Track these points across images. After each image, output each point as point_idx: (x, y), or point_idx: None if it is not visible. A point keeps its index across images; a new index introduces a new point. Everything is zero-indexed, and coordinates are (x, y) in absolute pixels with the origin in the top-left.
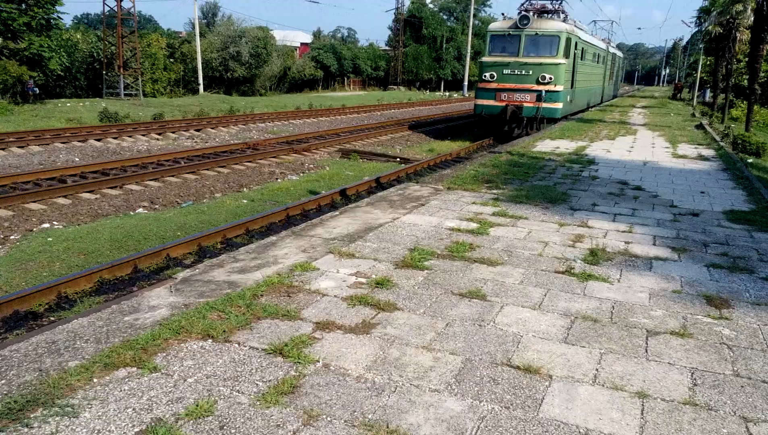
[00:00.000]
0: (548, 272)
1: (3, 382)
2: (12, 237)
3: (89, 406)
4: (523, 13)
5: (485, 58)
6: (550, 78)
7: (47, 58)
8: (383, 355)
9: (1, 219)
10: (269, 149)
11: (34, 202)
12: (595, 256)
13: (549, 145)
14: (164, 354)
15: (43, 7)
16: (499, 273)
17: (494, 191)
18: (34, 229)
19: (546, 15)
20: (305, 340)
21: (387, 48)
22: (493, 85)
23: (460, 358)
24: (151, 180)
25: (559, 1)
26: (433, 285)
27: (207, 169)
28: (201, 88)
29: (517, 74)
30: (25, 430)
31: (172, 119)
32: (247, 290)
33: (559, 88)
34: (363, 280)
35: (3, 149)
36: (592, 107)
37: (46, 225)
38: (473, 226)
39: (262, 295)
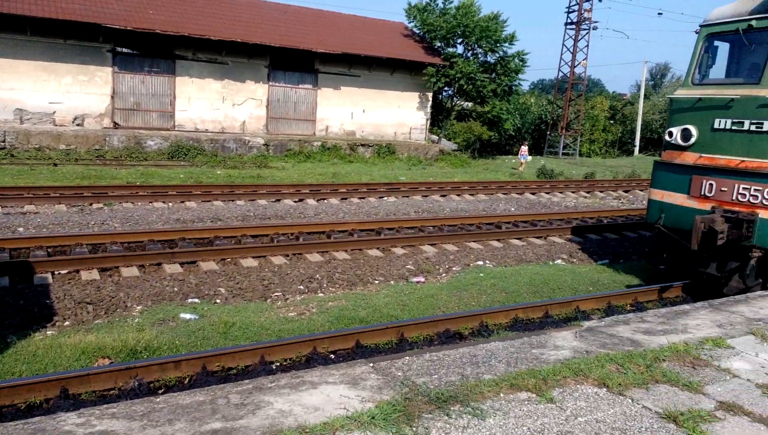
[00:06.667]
0: None
1: (436, 376)
2: (454, 268)
3: (494, 414)
4: None
5: (680, 92)
6: None
7: (504, 119)
8: None
9: (449, 252)
10: None
11: (474, 241)
12: None
13: None
14: (561, 389)
15: (508, 76)
16: None
17: None
18: (471, 265)
19: None
20: (704, 415)
21: None
22: (689, 158)
23: None
24: (572, 235)
25: None
26: None
27: (627, 231)
28: (636, 149)
29: (752, 131)
30: (446, 417)
31: (602, 179)
32: (649, 352)
33: None
34: None
35: (458, 195)
36: None
37: (480, 262)
38: None
39: (664, 360)
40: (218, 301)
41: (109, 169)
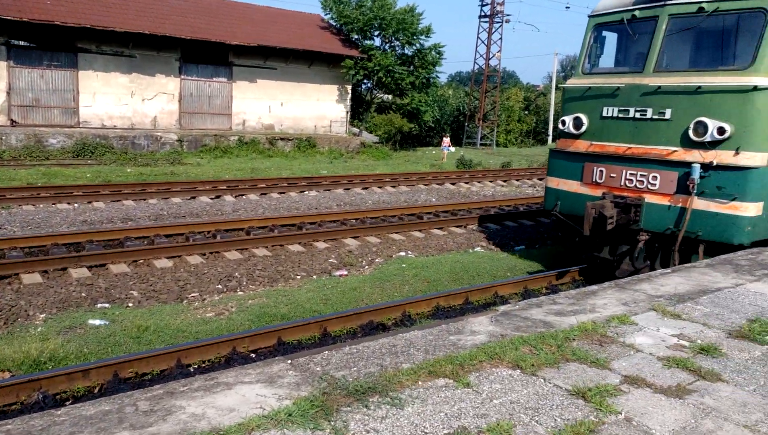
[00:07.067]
0: None
1: (355, 368)
2: (377, 260)
3: (412, 403)
4: None
5: (571, 81)
6: (723, 129)
7: (423, 111)
8: (695, 423)
9: (372, 245)
10: None
11: (397, 233)
12: None
13: None
14: (477, 374)
15: (426, 69)
16: None
17: None
18: (393, 256)
19: None
20: (610, 389)
21: None
22: (581, 146)
23: None
24: (490, 223)
25: None
26: None
27: (542, 217)
28: (550, 139)
29: (637, 118)
30: (365, 409)
31: (518, 168)
32: (560, 332)
33: (755, 158)
34: (685, 343)
35: (380, 187)
36: None
37: (403, 253)
38: None
39: (573, 339)
40: (130, 304)
41: (6, 169)
